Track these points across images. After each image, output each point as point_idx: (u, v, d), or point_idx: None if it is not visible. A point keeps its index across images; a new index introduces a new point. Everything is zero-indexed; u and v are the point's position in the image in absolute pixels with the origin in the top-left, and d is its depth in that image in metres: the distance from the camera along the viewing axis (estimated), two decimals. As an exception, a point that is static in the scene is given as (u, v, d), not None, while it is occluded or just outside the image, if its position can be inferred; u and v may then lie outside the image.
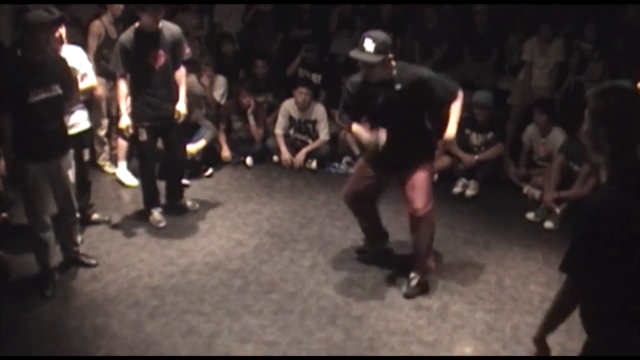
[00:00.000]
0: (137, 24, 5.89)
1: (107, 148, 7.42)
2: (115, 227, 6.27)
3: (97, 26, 6.93)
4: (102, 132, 7.30)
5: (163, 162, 6.57)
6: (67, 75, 5.01)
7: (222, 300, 5.11)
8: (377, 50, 4.59)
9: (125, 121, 6.00)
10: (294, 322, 4.85)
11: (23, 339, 4.64)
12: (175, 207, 6.60)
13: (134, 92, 6.00)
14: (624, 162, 2.63)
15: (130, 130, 6.04)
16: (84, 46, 6.13)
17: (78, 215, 5.47)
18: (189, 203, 6.68)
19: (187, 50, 6.20)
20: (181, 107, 6.04)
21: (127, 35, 5.90)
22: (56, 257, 5.30)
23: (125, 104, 6.01)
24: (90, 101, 6.43)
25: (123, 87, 5.97)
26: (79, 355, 4.51)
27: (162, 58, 5.93)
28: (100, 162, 7.45)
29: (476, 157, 7.13)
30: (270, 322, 4.85)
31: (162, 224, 6.27)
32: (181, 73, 6.13)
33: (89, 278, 5.39)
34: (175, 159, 6.47)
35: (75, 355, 4.51)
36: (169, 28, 6.00)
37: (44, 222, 5.03)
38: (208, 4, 9.36)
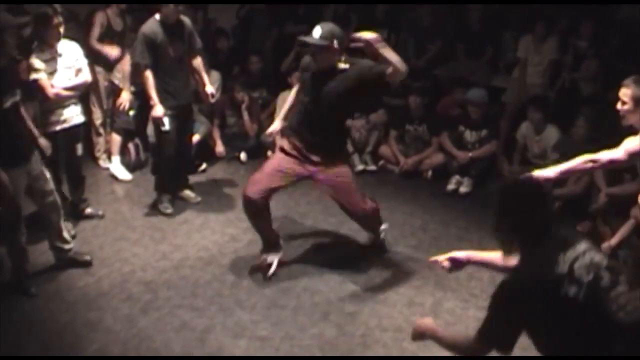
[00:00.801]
0: (157, 16, 5.98)
1: (101, 140, 7.41)
2: (108, 221, 6.26)
3: (100, 16, 6.99)
4: (98, 122, 7.31)
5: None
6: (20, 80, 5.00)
7: (215, 295, 5.11)
8: (323, 37, 4.79)
9: (160, 110, 6.00)
10: (286, 317, 4.86)
11: (15, 334, 4.64)
12: (181, 197, 6.67)
13: (155, 83, 6.05)
14: (535, 245, 2.84)
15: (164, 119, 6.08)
16: (80, 41, 6.13)
17: (62, 212, 5.41)
18: (191, 194, 6.72)
19: (199, 40, 6.39)
20: (209, 88, 6.26)
21: (150, 27, 5.96)
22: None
23: (154, 93, 6.02)
24: (84, 95, 6.42)
25: (150, 77, 6.01)
26: (72, 351, 4.50)
27: (181, 48, 6.11)
28: (97, 154, 7.45)
29: (470, 154, 7.13)
30: (263, 317, 4.85)
31: (169, 211, 6.37)
32: (199, 61, 6.35)
33: (82, 272, 5.38)
34: (186, 147, 6.59)
35: (68, 349, 4.51)
36: (183, 19, 6.17)
37: (22, 227, 5.03)
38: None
